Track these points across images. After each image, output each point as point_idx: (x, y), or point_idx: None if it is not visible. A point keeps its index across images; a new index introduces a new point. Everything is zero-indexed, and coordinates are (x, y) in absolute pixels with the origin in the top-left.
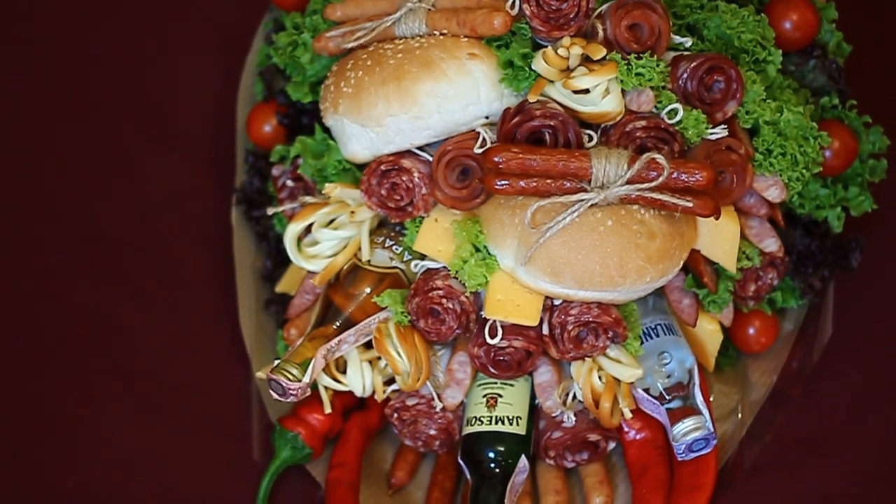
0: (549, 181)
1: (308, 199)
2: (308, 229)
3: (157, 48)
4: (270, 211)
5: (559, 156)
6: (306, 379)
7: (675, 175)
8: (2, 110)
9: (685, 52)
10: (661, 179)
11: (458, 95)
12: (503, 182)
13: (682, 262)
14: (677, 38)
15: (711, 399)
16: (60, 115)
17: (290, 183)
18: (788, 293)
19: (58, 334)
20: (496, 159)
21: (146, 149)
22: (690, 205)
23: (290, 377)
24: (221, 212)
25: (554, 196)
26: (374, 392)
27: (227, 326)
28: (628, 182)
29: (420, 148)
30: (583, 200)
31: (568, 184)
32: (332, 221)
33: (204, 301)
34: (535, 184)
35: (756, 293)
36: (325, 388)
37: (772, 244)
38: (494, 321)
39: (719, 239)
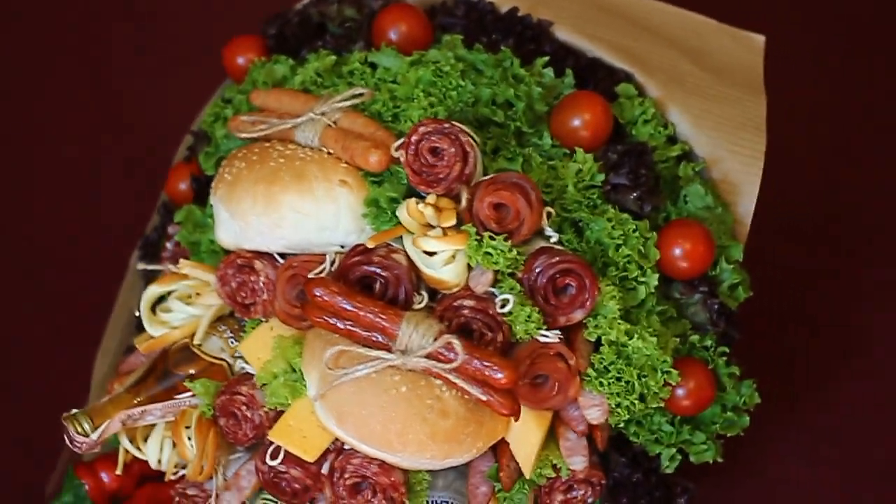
0: (358, 329)
1: (173, 267)
2: None
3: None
4: (140, 266)
5: (372, 308)
6: (94, 437)
7: (472, 364)
8: None
9: (553, 246)
10: (454, 364)
11: (317, 216)
12: (319, 316)
13: (474, 450)
14: (548, 230)
15: None
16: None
17: (169, 245)
18: None
19: None
20: (315, 292)
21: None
22: (484, 398)
23: (80, 430)
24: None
25: (359, 345)
26: None
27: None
28: (427, 356)
29: (282, 255)
30: (381, 359)
31: (379, 338)
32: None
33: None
34: (348, 326)
35: None
36: (125, 450)
37: (578, 463)
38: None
39: (522, 440)
